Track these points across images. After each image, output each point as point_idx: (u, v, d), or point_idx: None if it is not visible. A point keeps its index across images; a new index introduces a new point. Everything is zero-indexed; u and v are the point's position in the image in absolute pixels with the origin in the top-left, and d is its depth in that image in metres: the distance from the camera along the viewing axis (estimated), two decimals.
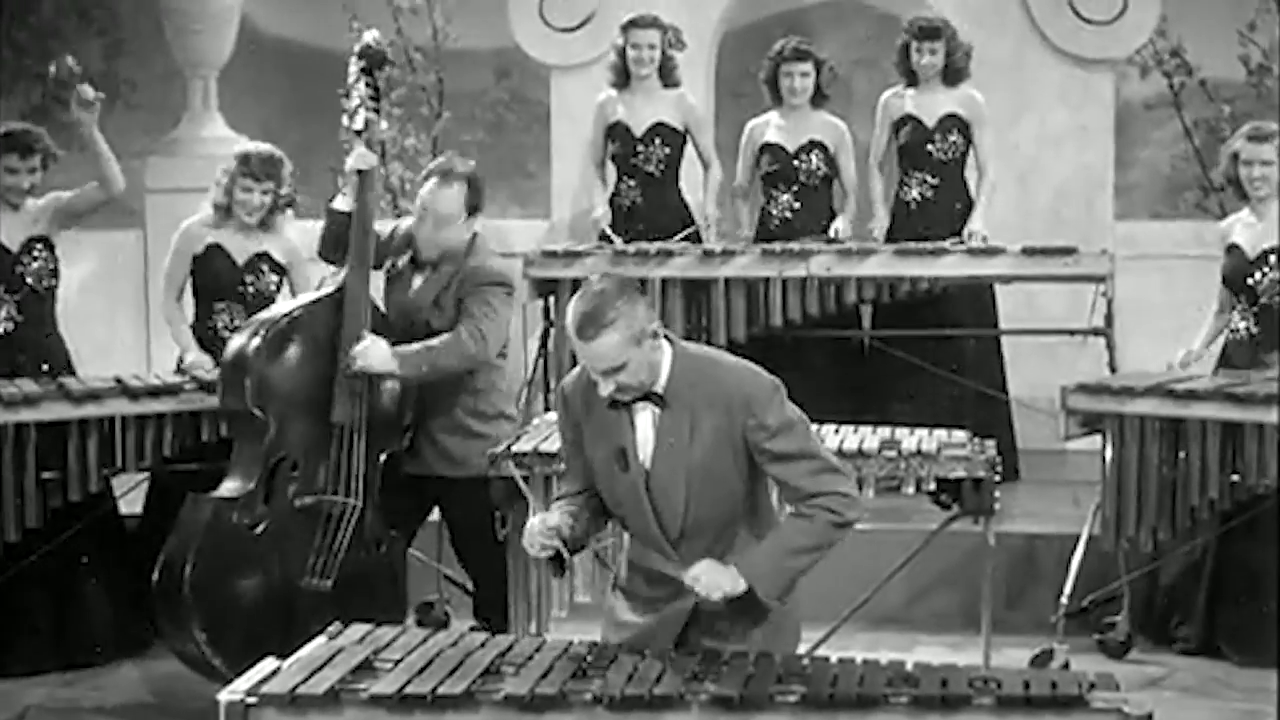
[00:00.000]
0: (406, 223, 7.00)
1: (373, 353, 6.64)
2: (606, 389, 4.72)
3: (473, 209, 6.77)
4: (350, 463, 6.70)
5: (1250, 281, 7.73)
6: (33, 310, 7.53)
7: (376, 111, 6.97)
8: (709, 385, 4.77)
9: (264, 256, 7.65)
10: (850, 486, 4.84)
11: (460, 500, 6.82)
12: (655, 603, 4.89)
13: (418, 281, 6.83)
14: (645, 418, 4.80)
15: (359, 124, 6.95)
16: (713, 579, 4.71)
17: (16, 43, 11.41)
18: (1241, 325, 7.77)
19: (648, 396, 4.78)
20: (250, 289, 7.64)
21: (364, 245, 6.80)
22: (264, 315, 6.90)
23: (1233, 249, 7.80)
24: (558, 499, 5.07)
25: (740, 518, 4.85)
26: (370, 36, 7.04)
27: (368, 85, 6.97)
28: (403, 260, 6.88)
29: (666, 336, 4.82)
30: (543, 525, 4.84)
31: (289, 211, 7.77)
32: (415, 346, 6.66)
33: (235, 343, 6.81)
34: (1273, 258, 7.70)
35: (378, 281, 6.93)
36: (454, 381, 6.77)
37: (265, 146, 7.69)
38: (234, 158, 7.64)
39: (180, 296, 7.74)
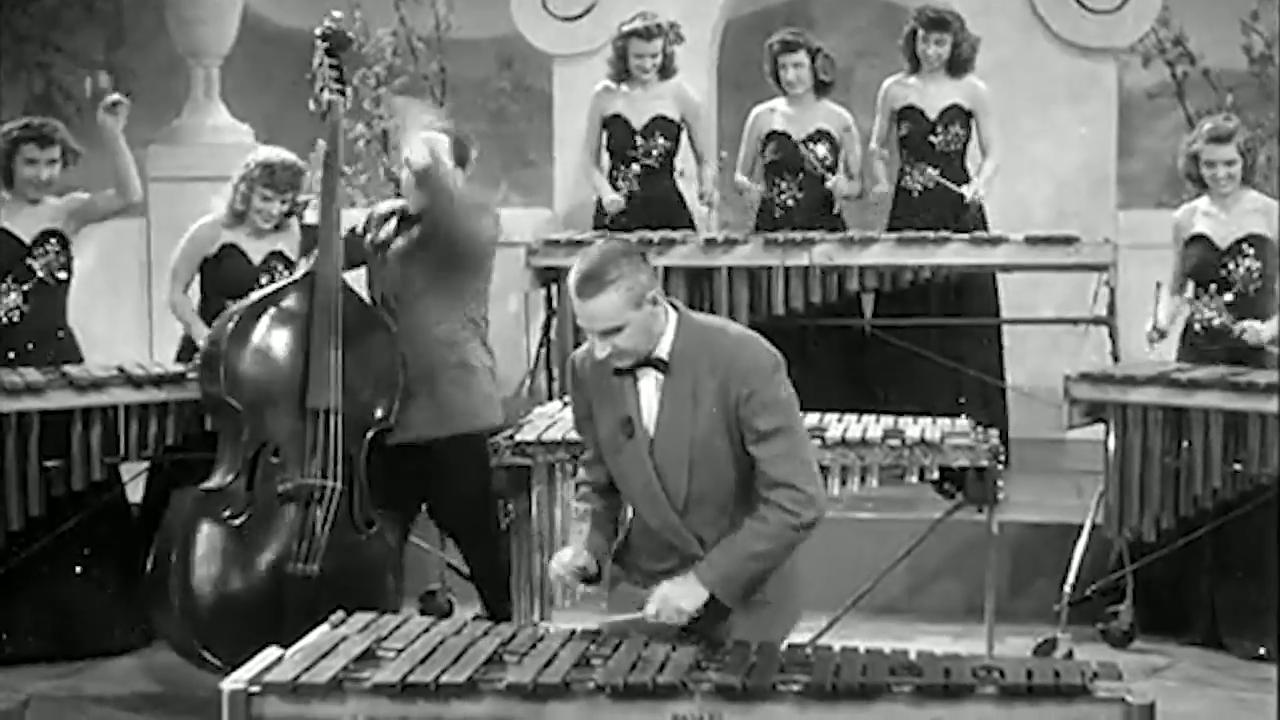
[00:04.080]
0: (384, 206, 7.01)
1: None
2: (603, 351, 4.73)
3: (459, 160, 6.80)
4: (330, 445, 6.70)
5: (1223, 272, 7.73)
6: (41, 302, 7.52)
7: (341, 93, 6.94)
8: (712, 353, 4.78)
9: (278, 255, 7.63)
10: (813, 485, 4.79)
11: (449, 465, 6.80)
12: (657, 576, 4.87)
13: (403, 238, 6.82)
14: (649, 385, 4.81)
15: (323, 107, 6.94)
16: (672, 605, 4.72)
17: (19, 31, 11.42)
18: (1208, 315, 7.76)
19: (652, 363, 4.79)
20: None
21: (331, 225, 6.79)
22: (236, 305, 6.90)
23: (1197, 240, 7.79)
24: (580, 484, 5.09)
25: (741, 487, 4.83)
26: (331, 18, 7.02)
27: (332, 67, 6.94)
28: (387, 229, 6.88)
29: (673, 304, 4.84)
30: (568, 568, 4.92)
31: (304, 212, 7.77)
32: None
33: (210, 333, 6.82)
34: (1246, 247, 7.70)
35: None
36: (433, 342, 6.76)
37: (287, 156, 7.58)
38: (256, 165, 7.52)
39: (186, 291, 7.74)
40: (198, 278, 7.68)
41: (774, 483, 4.75)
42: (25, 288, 7.50)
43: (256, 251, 7.63)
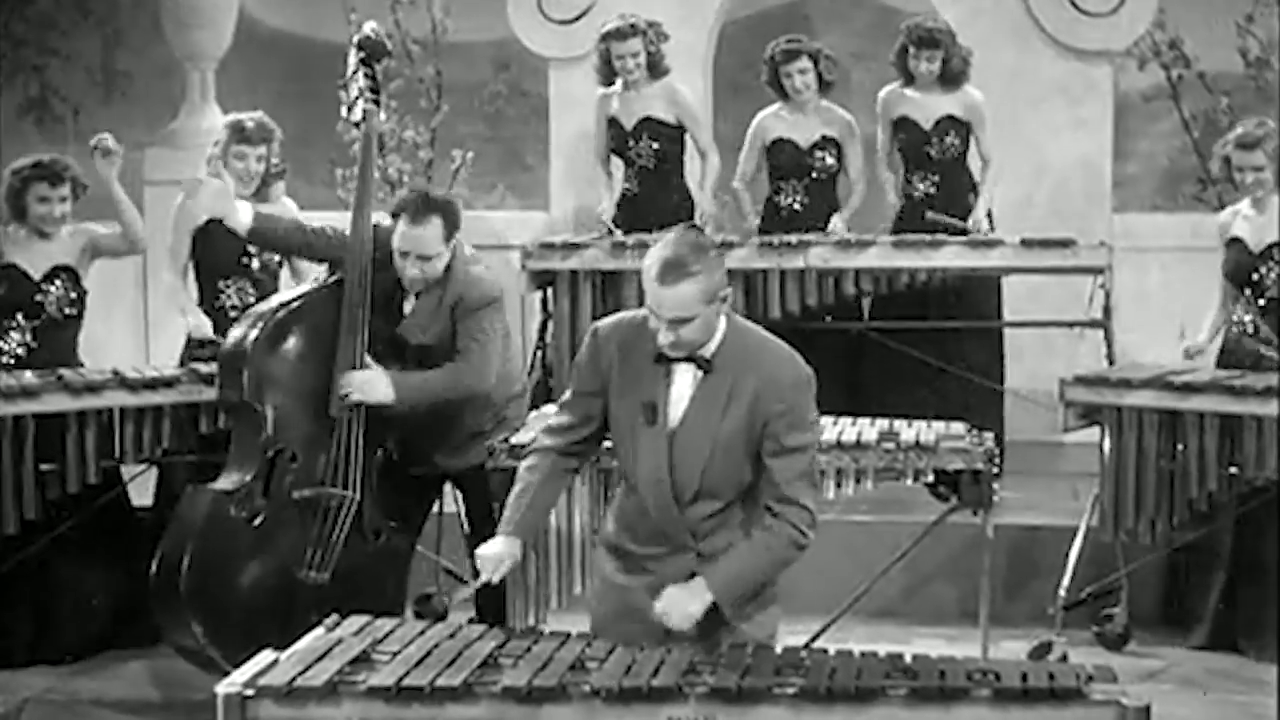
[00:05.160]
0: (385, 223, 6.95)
1: (370, 384, 6.64)
2: (666, 339, 4.74)
3: (451, 234, 6.65)
4: (349, 455, 6.70)
5: (1255, 276, 7.72)
6: (51, 338, 7.51)
7: (376, 103, 6.91)
8: (754, 362, 4.82)
9: None
10: (815, 505, 4.87)
11: (477, 488, 6.82)
12: (645, 561, 4.91)
13: (407, 307, 6.77)
14: (685, 378, 4.83)
15: (357, 115, 6.91)
16: (682, 609, 4.76)
17: (14, 35, 11.43)
18: (1246, 319, 7.76)
19: (695, 360, 4.80)
20: (255, 261, 7.67)
21: (361, 234, 6.78)
22: (261, 306, 6.90)
23: (1234, 243, 7.78)
24: (533, 451, 5.09)
25: (746, 491, 4.88)
26: (369, 27, 6.99)
27: (367, 76, 6.90)
28: (387, 283, 6.78)
29: None
30: (494, 569, 4.95)
31: (280, 184, 7.78)
32: (414, 377, 6.66)
33: (233, 334, 6.81)
34: (1277, 252, 7.69)
35: None
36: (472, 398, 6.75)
37: (255, 114, 7.70)
38: (225, 127, 7.68)
39: (185, 273, 7.77)
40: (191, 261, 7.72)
41: (786, 499, 4.81)
42: (35, 324, 7.50)
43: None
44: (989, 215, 9.11)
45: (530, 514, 5.04)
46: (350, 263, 6.76)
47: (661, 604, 4.79)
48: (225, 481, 6.71)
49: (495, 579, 4.97)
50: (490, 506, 6.72)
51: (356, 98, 6.90)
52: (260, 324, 6.73)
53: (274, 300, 6.95)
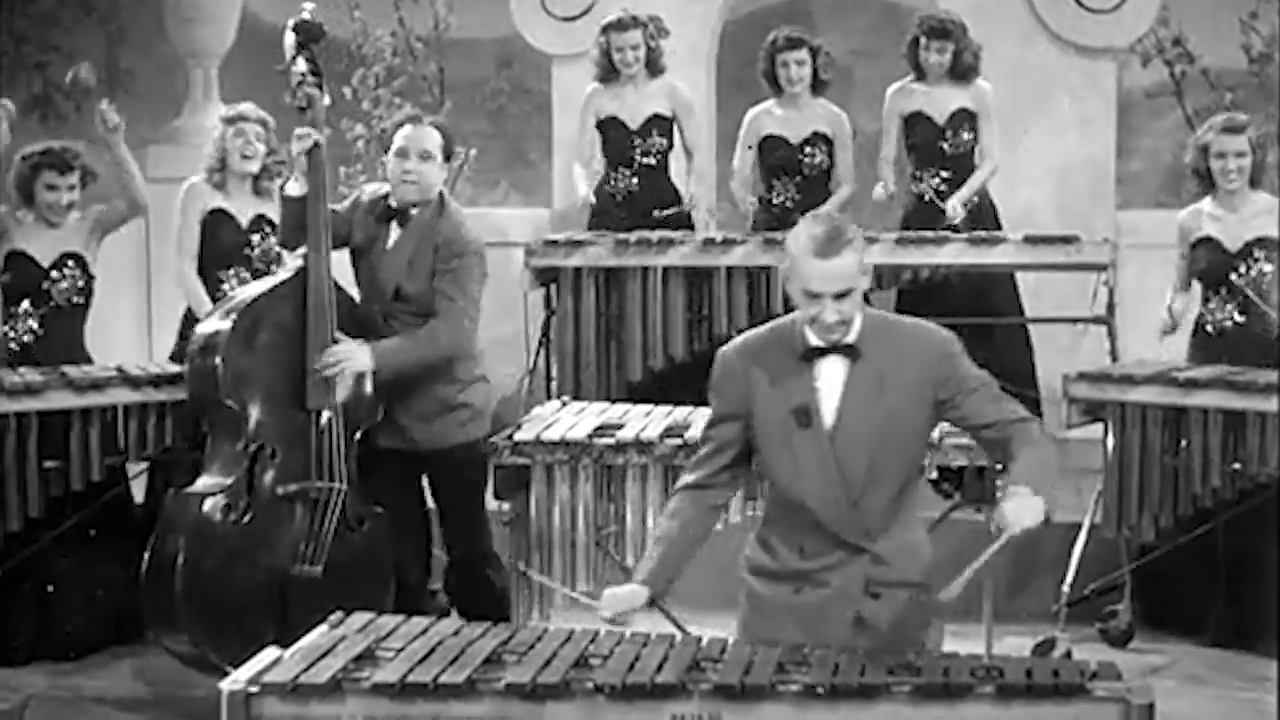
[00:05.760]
0: (369, 189, 6.97)
1: (350, 353, 6.63)
2: (833, 316, 4.68)
3: (447, 154, 6.79)
4: (330, 446, 6.68)
5: (1233, 276, 7.70)
6: (59, 326, 7.53)
7: (319, 87, 6.86)
8: (900, 341, 4.80)
9: (265, 218, 7.73)
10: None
11: (445, 471, 6.84)
12: (818, 574, 4.81)
13: (390, 241, 6.78)
14: (834, 371, 4.77)
15: (301, 100, 6.83)
16: (1024, 512, 4.73)
17: (17, 32, 11.42)
18: (1221, 318, 7.74)
19: (840, 349, 4.76)
20: (256, 250, 7.70)
21: (320, 223, 6.73)
22: (228, 301, 6.89)
23: (1205, 242, 7.75)
24: (678, 491, 4.97)
25: (909, 481, 4.86)
26: (306, 10, 6.93)
27: (306, 60, 6.84)
28: (369, 227, 6.82)
29: None
30: (618, 611, 4.79)
31: (287, 178, 7.80)
32: (392, 342, 6.66)
33: (201, 331, 6.80)
34: (1257, 250, 7.68)
35: (339, 258, 6.89)
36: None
37: (248, 105, 7.78)
38: (220, 120, 7.79)
39: (194, 263, 7.78)
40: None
41: (1005, 420, 4.84)
42: (43, 311, 7.51)
43: (244, 213, 7.71)
44: (995, 213, 9.11)
45: (664, 565, 4.86)
46: (311, 249, 6.73)
47: (1007, 514, 4.71)
48: (207, 483, 6.69)
49: (608, 615, 4.78)
50: (465, 488, 6.75)
51: (299, 83, 6.80)
52: (230, 319, 6.70)
53: (240, 294, 6.92)
